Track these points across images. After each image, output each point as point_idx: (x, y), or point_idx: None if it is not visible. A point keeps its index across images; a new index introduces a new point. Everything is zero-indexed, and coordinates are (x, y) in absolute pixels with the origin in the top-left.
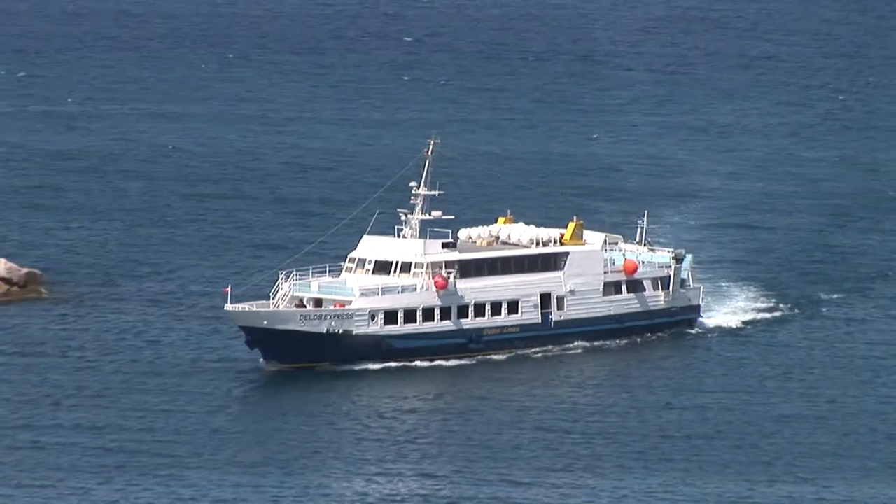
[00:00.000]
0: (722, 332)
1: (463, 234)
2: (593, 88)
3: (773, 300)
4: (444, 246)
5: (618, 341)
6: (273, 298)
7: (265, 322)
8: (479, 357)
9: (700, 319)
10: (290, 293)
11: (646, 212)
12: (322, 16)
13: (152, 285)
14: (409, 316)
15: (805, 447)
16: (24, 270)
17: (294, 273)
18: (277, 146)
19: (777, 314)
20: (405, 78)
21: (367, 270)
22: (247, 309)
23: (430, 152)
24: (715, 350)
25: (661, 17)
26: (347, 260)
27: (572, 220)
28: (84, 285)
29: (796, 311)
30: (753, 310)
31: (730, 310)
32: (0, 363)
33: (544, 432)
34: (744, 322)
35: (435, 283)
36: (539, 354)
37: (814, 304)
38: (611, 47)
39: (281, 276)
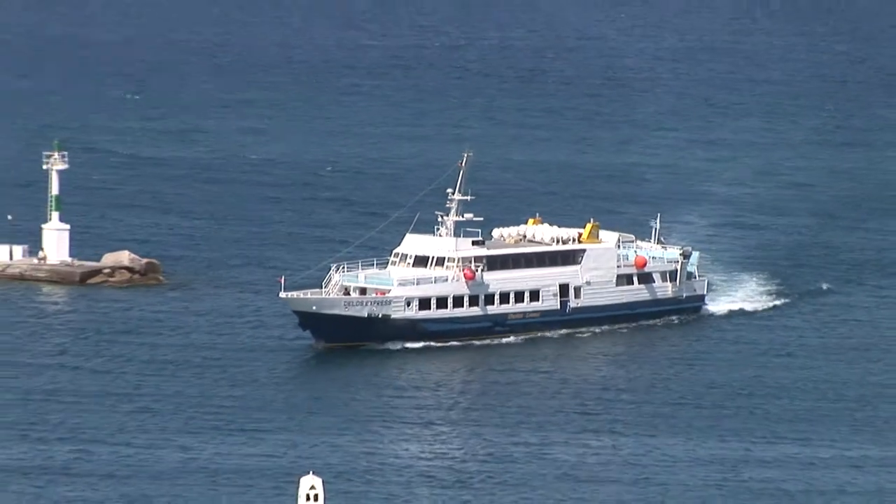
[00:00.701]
0: (726, 316)
1: (496, 233)
2: (615, 108)
3: (773, 288)
4: (474, 243)
5: (631, 324)
6: (324, 287)
7: (314, 307)
8: (505, 339)
9: (705, 306)
10: (339, 282)
11: (658, 214)
12: (385, 47)
13: (243, 274)
14: (441, 302)
15: (798, 412)
16: (145, 261)
17: (344, 265)
18: (342, 156)
19: (775, 300)
20: (453, 99)
21: (408, 263)
22: (298, 296)
23: (463, 164)
24: (719, 331)
25: (675, 48)
26: (392, 255)
27: (590, 222)
28: (191, 273)
29: (792, 297)
30: (755, 296)
31: (734, 297)
32: (120, 340)
33: (570, 399)
34: (746, 307)
35: (464, 274)
36: (559, 336)
37: (808, 291)
38: (631, 72)
39: (332, 268)
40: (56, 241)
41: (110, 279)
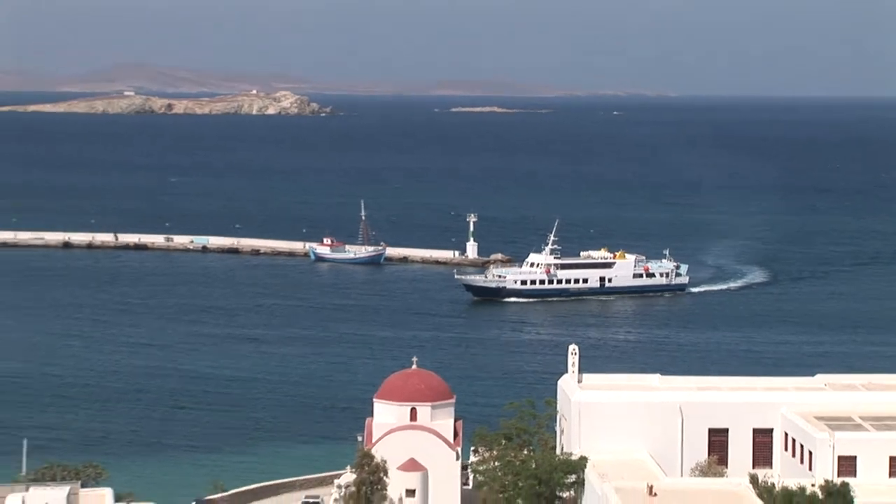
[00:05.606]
0: (699, 293)
1: (582, 253)
2: (666, 197)
3: (739, 278)
4: (554, 258)
5: (640, 295)
6: (485, 273)
7: (469, 281)
8: (571, 300)
9: (688, 290)
10: (492, 272)
11: (668, 248)
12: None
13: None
14: (532, 282)
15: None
16: (506, 257)
17: (497, 265)
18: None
19: (732, 285)
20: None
21: (528, 265)
22: (461, 276)
23: (556, 224)
24: (692, 297)
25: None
26: (524, 262)
27: (619, 251)
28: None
29: (748, 287)
30: (723, 284)
31: (709, 285)
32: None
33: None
34: (712, 289)
35: (545, 271)
36: (600, 300)
37: (768, 283)
38: (678, 181)
39: (490, 267)
40: (471, 249)
41: (493, 263)
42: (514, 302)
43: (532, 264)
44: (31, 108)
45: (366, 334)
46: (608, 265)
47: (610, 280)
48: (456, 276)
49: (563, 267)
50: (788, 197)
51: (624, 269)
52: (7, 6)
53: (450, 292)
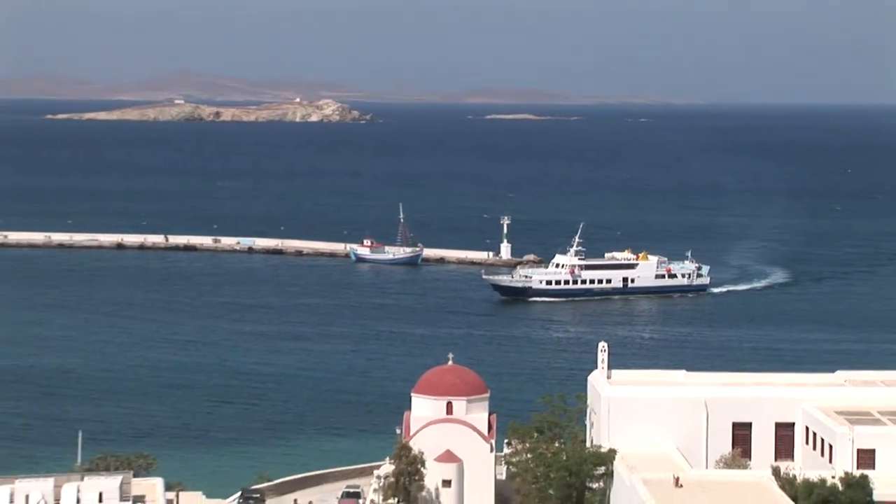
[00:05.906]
0: (720, 293)
1: (606, 255)
2: (681, 197)
3: (763, 282)
4: (578, 259)
5: (663, 295)
6: (511, 274)
7: (496, 281)
8: (595, 299)
9: (709, 290)
10: (519, 272)
11: (690, 250)
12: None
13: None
14: (557, 282)
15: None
16: (538, 259)
17: (526, 266)
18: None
19: (751, 286)
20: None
21: (553, 266)
22: (489, 276)
23: (580, 228)
24: (711, 297)
25: (724, 178)
26: (551, 263)
27: (643, 252)
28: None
29: (769, 287)
30: (749, 286)
31: (734, 285)
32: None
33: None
34: (734, 290)
35: (570, 272)
36: (622, 299)
37: (789, 283)
38: (701, 184)
39: (518, 268)
40: (505, 250)
41: (525, 263)
42: (541, 301)
43: (557, 265)
44: (87, 115)
45: (403, 332)
46: (631, 266)
47: (633, 280)
48: (483, 277)
49: (588, 268)
50: (806, 200)
51: (646, 270)
52: (68, 18)
53: (483, 292)
